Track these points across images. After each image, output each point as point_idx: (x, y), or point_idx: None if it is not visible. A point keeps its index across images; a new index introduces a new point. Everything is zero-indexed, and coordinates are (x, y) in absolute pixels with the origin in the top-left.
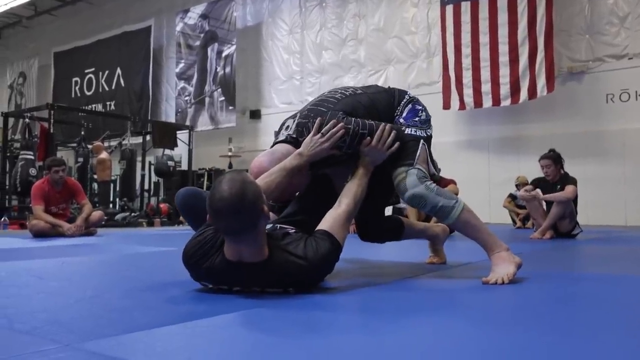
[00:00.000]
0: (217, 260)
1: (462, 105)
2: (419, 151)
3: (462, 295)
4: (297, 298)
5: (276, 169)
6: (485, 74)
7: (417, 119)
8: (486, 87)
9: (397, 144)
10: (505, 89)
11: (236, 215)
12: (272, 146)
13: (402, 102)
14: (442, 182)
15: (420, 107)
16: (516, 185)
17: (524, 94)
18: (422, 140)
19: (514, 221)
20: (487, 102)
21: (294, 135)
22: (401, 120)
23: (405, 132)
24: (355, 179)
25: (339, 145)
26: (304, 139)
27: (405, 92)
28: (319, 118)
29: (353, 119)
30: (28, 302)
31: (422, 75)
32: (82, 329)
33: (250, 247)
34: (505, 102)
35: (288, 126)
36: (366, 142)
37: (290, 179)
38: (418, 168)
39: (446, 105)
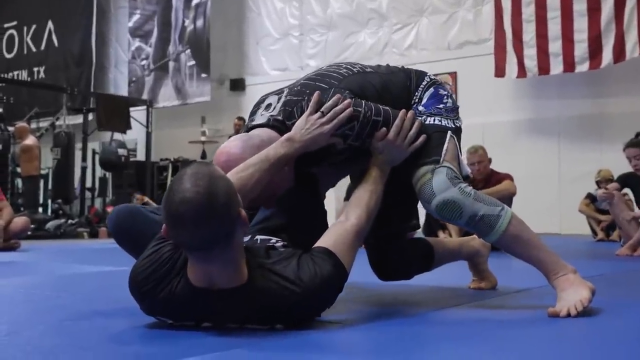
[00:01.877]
0: (178, 287)
1: (522, 72)
2: (446, 144)
3: (518, 334)
4: (287, 336)
5: (254, 160)
6: (555, 27)
7: (441, 106)
8: (555, 47)
9: (422, 138)
10: (581, 48)
11: (204, 224)
12: (246, 130)
13: (422, 86)
14: (494, 178)
15: (444, 92)
16: (597, 182)
17: (607, 55)
18: (449, 132)
19: (594, 231)
20: (557, 67)
21: (280, 117)
22: (420, 107)
23: (427, 122)
24: (366, 185)
25: (345, 134)
26: (295, 122)
27: (424, 74)
28: (317, 92)
29: (363, 101)
30: None
31: (467, 31)
32: None
33: (224, 268)
34: (582, 67)
35: (270, 104)
36: (381, 134)
37: (273, 175)
38: (447, 166)
39: (500, 72)
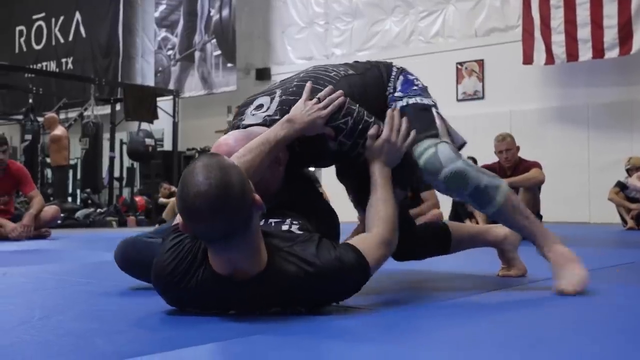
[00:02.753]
0: (203, 277)
1: (550, 59)
2: (437, 120)
3: (543, 320)
4: (311, 320)
5: (255, 144)
6: (584, 13)
7: (415, 87)
8: (584, 33)
9: (413, 133)
10: (611, 34)
11: (222, 215)
12: (233, 129)
13: (392, 76)
14: (522, 166)
15: (413, 77)
16: (627, 170)
17: (638, 41)
18: (434, 109)
19: (623, 220)
20: (586, 53)
21: (277, 117)
22: (397, 93)
23: (410, 102)
24: (376, 195)
25: (339, 127)
26: None
27: (391, 64)
28: (309, 82)
29: (357, 104)
30: None
31: (495, 18)
32: (26, 359)
33: (245, 254)
34: (612, 53)
35: (261, 105)
36: (374, 131)
37: (273, 160)
38: (446, 141)
39: (527, 59)
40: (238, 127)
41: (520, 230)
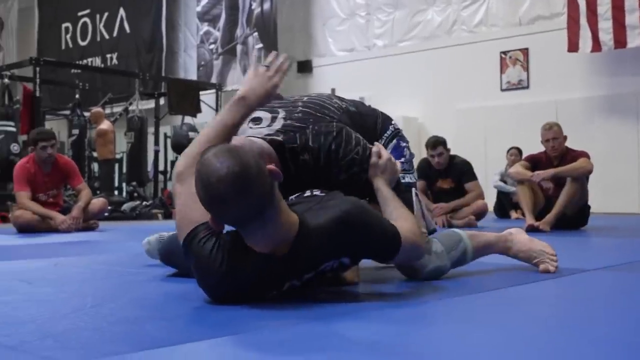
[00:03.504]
0: (255, 261)
1: (597, 46)
2: (414, 204)
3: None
4: (350, 307)
5: (214, 131)
6: None
7: (402, 159)
8: (633, 19)
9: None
10: None
11: (248, 190)
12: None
13: (386, 134)
14: (569, 156)
15: (404, 144)
16: None
17: None
18: (414, 190)
19: None
20: (635, 40)
21: (279, 138)
22: None
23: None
24: (391, 207)
25: (353, 158)
26: (294, 146)
27: (389, 120)
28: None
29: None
30: (13, 311)
31: (540, 5)
32: (81, 345)
33: (278, 223)
34: None
35: (259, 118)
36: (377, 151)
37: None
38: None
39: (572, 47)
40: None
41: (489, 252)
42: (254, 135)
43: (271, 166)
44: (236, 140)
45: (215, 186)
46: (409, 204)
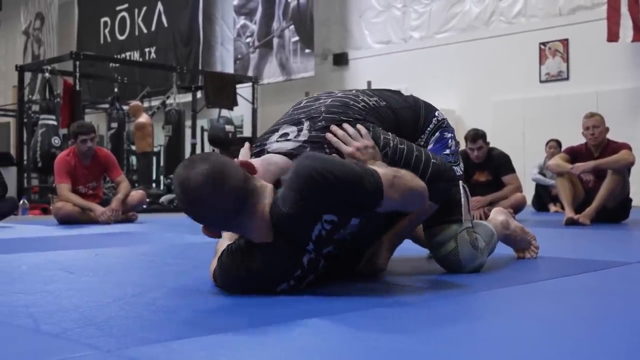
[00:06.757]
0: (259, 252)
1: (638, 35)
2: (462, 199)
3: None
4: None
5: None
6: None
7: (447, 151)
8: None
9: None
10: None
11: (223, 186)
12: (258, 151)
13: (429, 128)
14: (610, 147)
15: (449, 135)
16: None
17: None
18: (461, 183)
19: None
20: None
21: (307, 148)
22: None
23: None
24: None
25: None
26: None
27: (432, 111)
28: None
29: (390, 133)
30: (56, 299)
31: None
32: (123, 332)
33: (264, 210)
34: None
35: (286, 134)
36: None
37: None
38: (466, 228)
39: (612, 36)
40: (262, 152)
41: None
42: (276, 150)
43: (242, 160)
44: (255, 162)
45: (193, 193)
46: (454, 204)
